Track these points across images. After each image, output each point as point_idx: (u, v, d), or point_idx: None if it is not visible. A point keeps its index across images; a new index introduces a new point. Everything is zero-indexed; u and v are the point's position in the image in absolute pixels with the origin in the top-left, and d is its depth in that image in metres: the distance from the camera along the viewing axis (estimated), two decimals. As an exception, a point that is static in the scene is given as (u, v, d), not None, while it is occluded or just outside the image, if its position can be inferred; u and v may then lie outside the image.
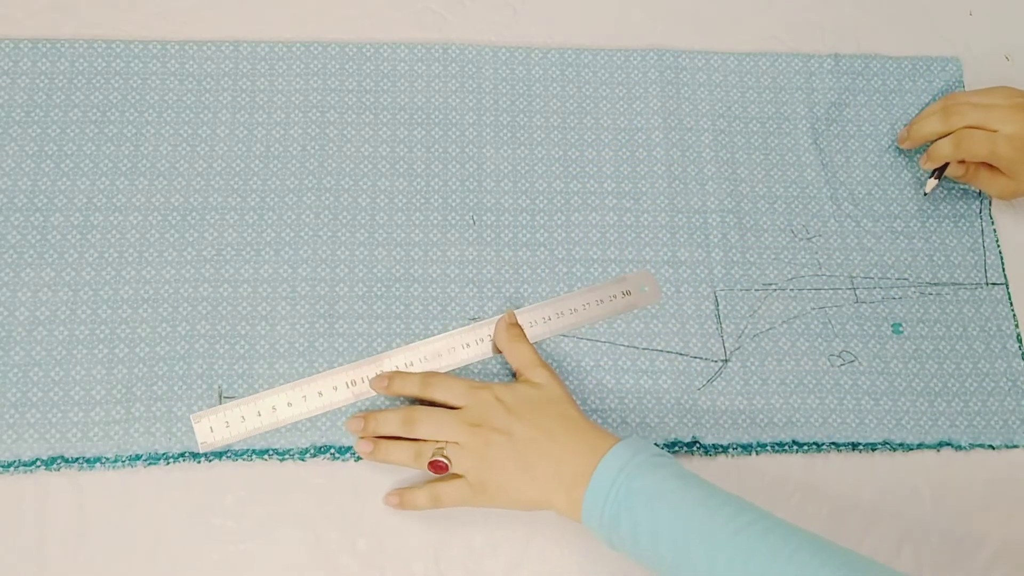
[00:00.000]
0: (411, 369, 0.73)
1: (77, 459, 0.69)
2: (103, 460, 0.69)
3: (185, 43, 0.82)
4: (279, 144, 0.79)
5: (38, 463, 0.69)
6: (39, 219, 0.75)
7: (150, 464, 0.69)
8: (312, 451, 0.71)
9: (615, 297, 0.77)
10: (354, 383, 0.72)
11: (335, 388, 0.72)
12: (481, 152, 0.81)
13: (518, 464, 0.66)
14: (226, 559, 0.68)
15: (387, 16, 0.85)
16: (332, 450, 0.71)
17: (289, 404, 0.71)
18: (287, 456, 0.71)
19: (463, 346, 0.74)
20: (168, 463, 0.70)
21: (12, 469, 0.69)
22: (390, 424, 0.69)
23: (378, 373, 0.72)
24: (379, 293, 0.76)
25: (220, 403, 0.71)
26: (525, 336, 0.74)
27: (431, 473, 0.68)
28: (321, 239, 0.77)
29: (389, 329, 0.74)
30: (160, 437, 0.70)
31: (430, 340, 0.74)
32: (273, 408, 0.71)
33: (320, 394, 0.72)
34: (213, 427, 0.70)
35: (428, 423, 0.68)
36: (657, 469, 0.62)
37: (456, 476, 0.68)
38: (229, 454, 0.70)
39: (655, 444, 0.66)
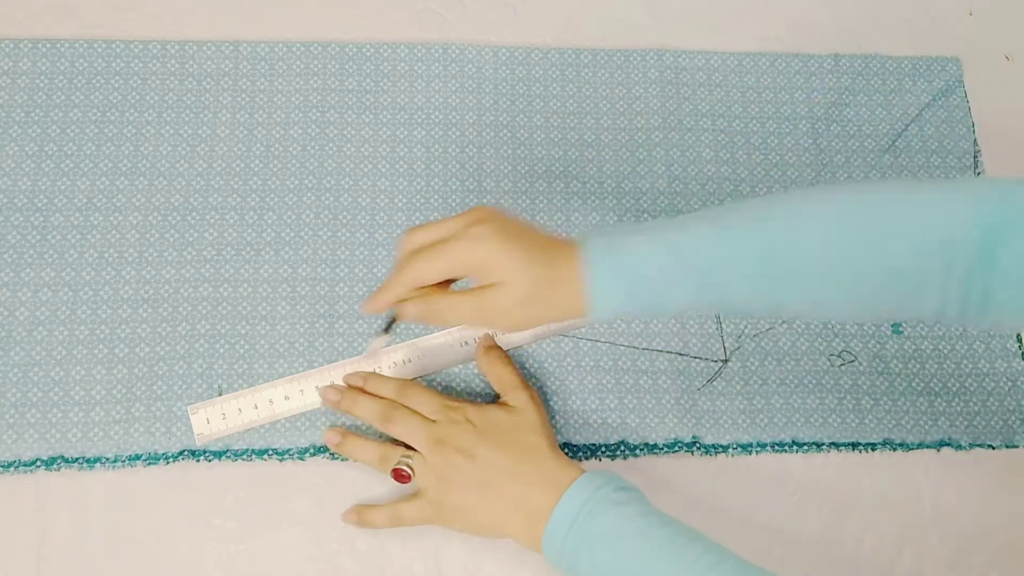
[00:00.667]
0: (407, 365, 0.73)
1: (77, 459, 0.69)
2: (103, 460, 0.69)
3: (185, 43, 0.82)
4: (279, 144, 0.79)
5: (38, 463, 0.69)
6: (39, 219, 0.75)
7: (150, 464, 0.69)
8: (312, 451, 0.71)
9: None
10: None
11: (332, 383, 0.72)
12: (481, 152, 0.81)
13: (477, 489, 0.65)
14: (226, 559, 0.68)
15: (387, 16, 0.85)
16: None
17: (286, 398, 0.71)
18: (287, 456, 0.71)
19: (461, 344, 0.74)
20: (168, 463, 0.70)
21: (12, 469, 0.69)
22: (368, 409, 0.69)
23: (350, 373, 0.71)
24: None
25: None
26: (506, 358, 0.72)
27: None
28: (321, 239, 0.77)
29: (389, 329, 0.74)
30: (160, 437, 0.70)
31: (428, 337, 0.74)
32: (270, 401, 0.71)
33: (317, 388, 0.72)
34: (210, 419, 0.70)
35: (402, 424, 0.68)
36: (620, 506, 0.61)
37: (416, 495, 0.67)
38: (229, 454, 0.70)
39: (618, 477, 0.64)
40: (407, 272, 0.60)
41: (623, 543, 0.60)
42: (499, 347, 0.73)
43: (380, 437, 0.70)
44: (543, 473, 0.64)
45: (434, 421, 0.67)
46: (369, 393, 0.70)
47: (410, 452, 0.67)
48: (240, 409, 0.71)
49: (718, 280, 0.58)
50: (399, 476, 0.67)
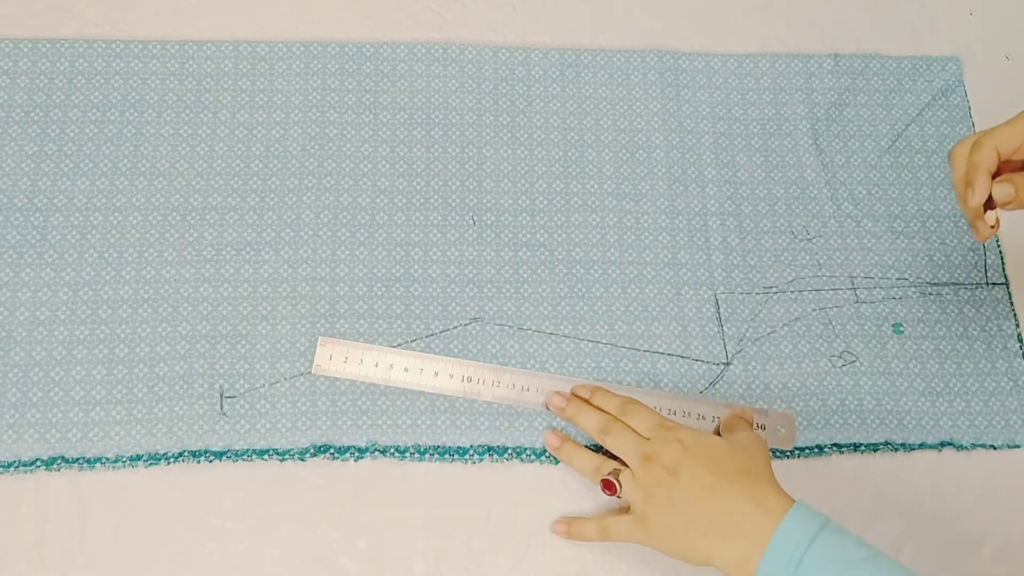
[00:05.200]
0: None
1: (77, 459, 0.69)
2: (103, 460, 0.69)
3: (185, 43, 0.82)
4: (279, 144, 0.79)
5: (38, 463, 0.69)
6: (39, 219, 0.75)
7: (150, 464, 0.69)
8: (312, 451, 0.71)
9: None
10: (469, 379, 0.73)
11: (451, 376, 0.73)
12: (481, 152, 0.81)
13: (680, 508, 0.63)
14: (226, 559, 0.68)
15: (387, 16, 0.85)
16: (332, 450, 0.71)
17: (406, 370, 0.73)
18: (287, 456, 0.70)
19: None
20: (168, 463, 0.69)
21: (12, 469, 0.68)
22: (590, 420, 0.70)
23: (578, 386, 0.73)
24: (379, 293, 0.76)
25: (222, 403, 0.71)
26: (748, 423, 0.72)
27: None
28: (321, 239, 0.77)
29: (390, 329, 0.74)
30: (161, 437, 0.70)
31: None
32: (391, 366, 0.73)
33: (436, 374, 0.73)
34: (333, 356, 0.72)
35: (617, 437, 0.68)
36: (841, 535, 0.58)
37: (625, 511, 0.67)
38: (229, 454, 0.70)
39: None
40: (990, 139, 0.64)
41: (852, 570, 0.57)
42: (746, 419, 0.72)
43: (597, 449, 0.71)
44: (752, 498, 0.61)
45: (647, 439, 0.67)
46: (594, 406, 0.71)
47: (621, 467, 0.67)
48: (362, 360, 0.72)
49: None
50: (607, 487, 0.67)
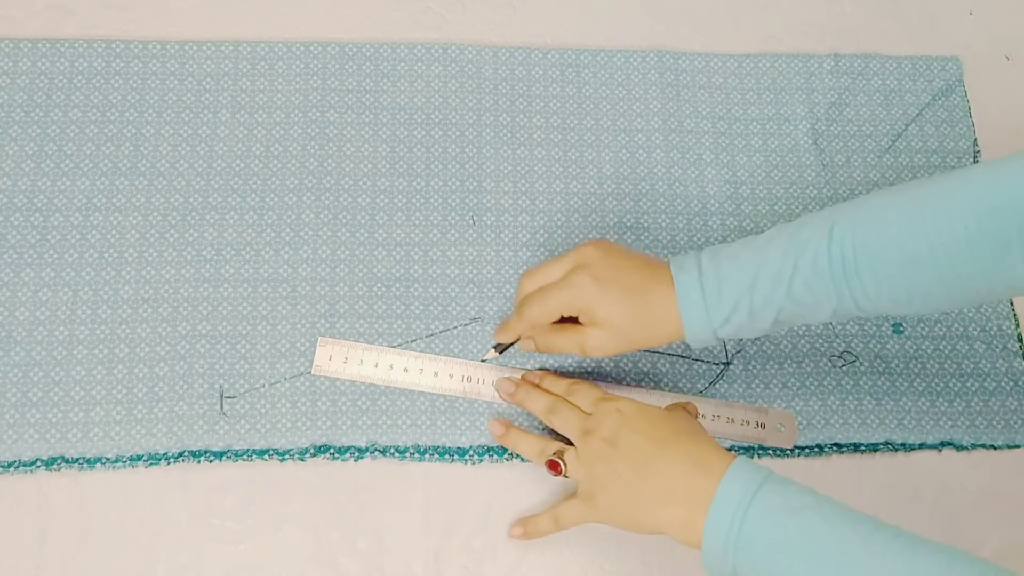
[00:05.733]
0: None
1: (77, 459, 0.69)
2: (103, 460, 0.69)
3: (185, 43, 0.82)
4: (279, 144, 0.79)
5: (38, 463, 0.69)
6: (39, 219, 0.75)
7: (151, 465, 0.69)
8: (312, 451, 0.71)
9: (747, 423, 0.74)
10: (469, 379, 0.73)
11: (451, 376, 0.73)
12: (481, 152, 0.81)
13: (623, 478, 0.63)
14: (226, 559, 0.68)
15: (387, 16, 0.85)
16: (332, 450, 0.71)
17: (406, 370, 0.73)
18: (287, 456, 0.70)
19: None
20: (168, 463, 0.69)
21: (12, 469, 0.68)
22: (538, 403, 0.71)
23: (529, 371, 0.74)
24: (379, 293, 0.76)
25: (222, 403, 0.71)
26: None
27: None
28: (321, 239, 0.77)
29: (390, 329, 0.74)
30: (161, 437, 0.70)
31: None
32: (391, 366, 0.73)
33: (436, 374, 0.73)
34: (333, 356, 0.72)
35: (561, 415, 0.69)
36: (785, 485, 0.59)
37: (572, 494, 0.67)
38: (229, 454, 0.70)
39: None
40: (524, 318, 0.69)
41: (798, 518, 0.57)
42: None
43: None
44: (691, 459, 0.61)
45: (589, 414, 0.68)
46: (543, 389, 0.72)
47: (565, 447, 0.68)
48: (362, 360, 0.73)
49: (793, 288, 0.62)
50: (553, 468, 0.67)
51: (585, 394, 0.69)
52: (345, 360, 0.73)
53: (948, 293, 0.60)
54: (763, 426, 0.74)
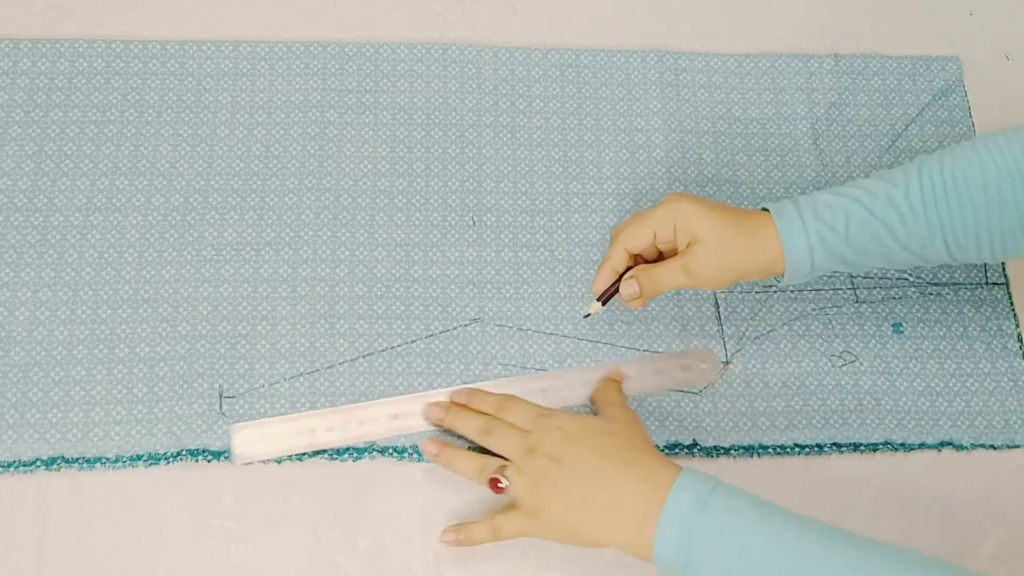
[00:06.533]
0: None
1: (77, 459, 0.69)
2: (103, 460, 0.69)
3: (185, 43, 0.82)
4: (279, 144, 0.79)
5: (38, 463, 0.69)
6: (39, 219, 0.75)
7: (150, 464, 0.69)
8: (311, 451, 0.71)
9: (672, 371, 0.75)
10: (396, 416, 0.72)
11: (377, 420, 0.71)
12: (481, 152, 0.81)
13: (570, 496, 0.63)
14: (226, 559, 0.68)
15: (387, 16, 0.85)
16: (332, 450, 0.71)
17: (329, 429, 0.71)
18: (287, 456, 0.70)
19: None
20: (168, 463, 0.69)
21: (12, 469, 0.68)
22: (469, 424, 0.69)
23: (455, 391, 0.72)
24: (379, 293, 0.76)
25: (221, 403, 0.71)
26: (618, 385, 0.73)
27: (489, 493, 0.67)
28: (321, 239, 0.77)
29: (390, 329, 0.74)
30: (161, 437, 0.70)
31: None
32: (313, 430, 0.70)
33: (361, 423, 0.71)
34: (252, 440, 0.70)
35: (498, 436, 0.68)
36: (730, 497, 0.59)
37: (513, 507, 0.67)
38: (229, 454, 0.70)
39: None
40: (620, 240, 0.68)
41: (745, 530, 0.58)
42: (616, 381, 0.73)
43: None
44: (639, 473, 0.62)
45: (528, 431, 0.67)
46: (472, 409, 0.70)
47: (506, 463, 0.67)
48: (282, 434, 0.70)
49: (888, 221, 0.65)
50: (494, 486, 0.66)
51: (519, 411, 0.69)
52: (266, 439, 0.70)
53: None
54: (688, 368, 0.74)
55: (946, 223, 0.65)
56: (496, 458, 0.68)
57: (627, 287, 0.68)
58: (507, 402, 0.70)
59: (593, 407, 0.73)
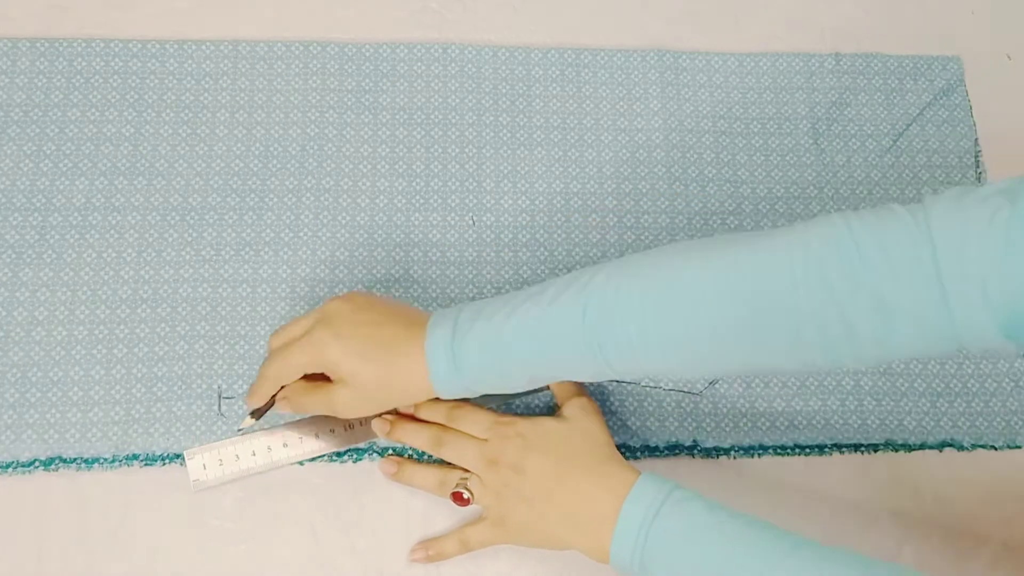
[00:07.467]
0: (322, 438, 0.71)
1: (75, 459, 0.69)
2: (101, 461, 0.69)
3: (184, 43, 0.82)
4: (279, 144, 0.79)
5: (36, 464, 0.69)
6: (37, 219, 0.75)
7: (148, 465, 0.69)
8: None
9: None
10: (351, 427, 0.71)
11: (332, 431, 0.70)
12: (481, 152, 0.81)
13: (533, 503, 0.64)
14: (226, 559, 0.68)
15: (387, 16, 0.85)
16: (331, 452, 0.71)
17: (285, 445, 0.70)
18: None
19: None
20: (166, 463, 0.69)
21: (10, 470, 0.68)
22: (419, 437, 0.68)
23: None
24: (379, 293, 0.75)
25: (220, 404, 0.71)
26: None
27: (452, 502, 0.67)
28: (321, 239, 0.77)
29: (389, 329, 0.74)
30: (159, 438, 0.70)
31: None
32: (268, 448, 0.70)
33: (317, 436, 0.70)
34: (206, 464, 0.69)
35: (454, 447, 0.67)
36: (685, 503, 0.60)
37: (481, 518, 0.67)
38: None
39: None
40: (267, 378, 0.66)
41: (698, 538, 0.58)
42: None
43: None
44: (598, 479, 0.62)
45: (485, 440, 0.66)
46: (420, 420, 0.69)
47: (468, 474, 0.66)
48: (238, 455, 0.69)
49: (547, 357, 0.62)
50: (458, 499, 0.66)
51: (473, 419, 0.68)
52: (220, 462, 0.69)
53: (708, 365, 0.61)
54: None
55: (609, 350, 0.60)
56: (455, 469, 0.67)
57: (281, 404, 0.67)
58: (457, 410, 0.68)
59: (554, 400, 0.72)
